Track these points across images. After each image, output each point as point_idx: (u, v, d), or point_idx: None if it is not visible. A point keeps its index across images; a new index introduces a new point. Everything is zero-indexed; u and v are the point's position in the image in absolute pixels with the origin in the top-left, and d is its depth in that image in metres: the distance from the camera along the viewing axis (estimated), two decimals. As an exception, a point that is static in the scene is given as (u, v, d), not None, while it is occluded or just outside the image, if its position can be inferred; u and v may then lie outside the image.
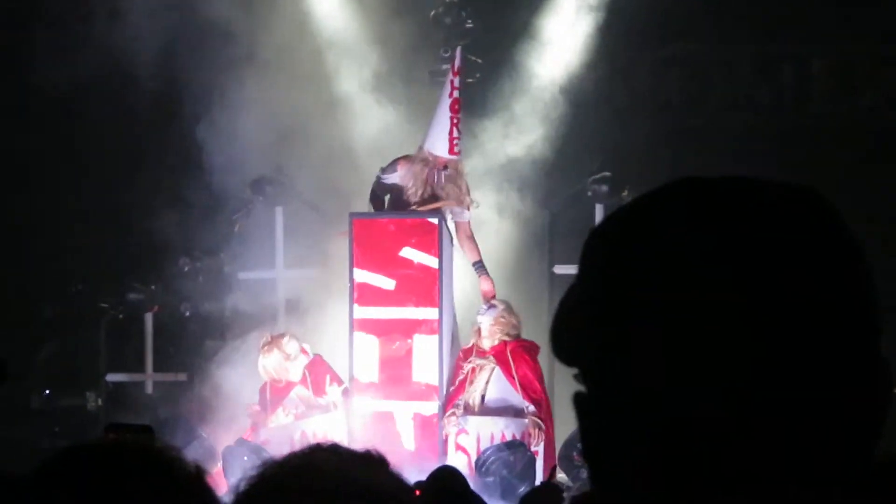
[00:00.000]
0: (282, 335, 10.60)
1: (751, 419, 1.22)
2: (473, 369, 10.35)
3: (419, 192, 10.60)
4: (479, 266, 10.81)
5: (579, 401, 1.33)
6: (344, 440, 10.05)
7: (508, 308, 10.50)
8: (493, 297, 10.76)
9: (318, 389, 10.50)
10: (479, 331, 10.43)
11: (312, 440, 10.05)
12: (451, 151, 10.60)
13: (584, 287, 1.33)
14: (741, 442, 1.22)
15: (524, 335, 10.69)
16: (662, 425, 1.24)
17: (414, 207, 10.61)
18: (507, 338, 10.37)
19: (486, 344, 10.37)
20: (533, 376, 10.32)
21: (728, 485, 1.23)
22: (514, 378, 10.28)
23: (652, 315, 1.25)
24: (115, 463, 1.95)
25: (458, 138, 10.65)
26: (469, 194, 10.80)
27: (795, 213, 1.28)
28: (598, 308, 1.29)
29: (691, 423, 1.23)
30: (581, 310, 1.32)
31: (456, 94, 10.68)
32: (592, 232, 1.35)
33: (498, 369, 10.34)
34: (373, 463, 2.09)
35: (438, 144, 10.60)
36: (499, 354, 10.34)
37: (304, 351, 10.55)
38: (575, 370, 1.34)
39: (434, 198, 10.63)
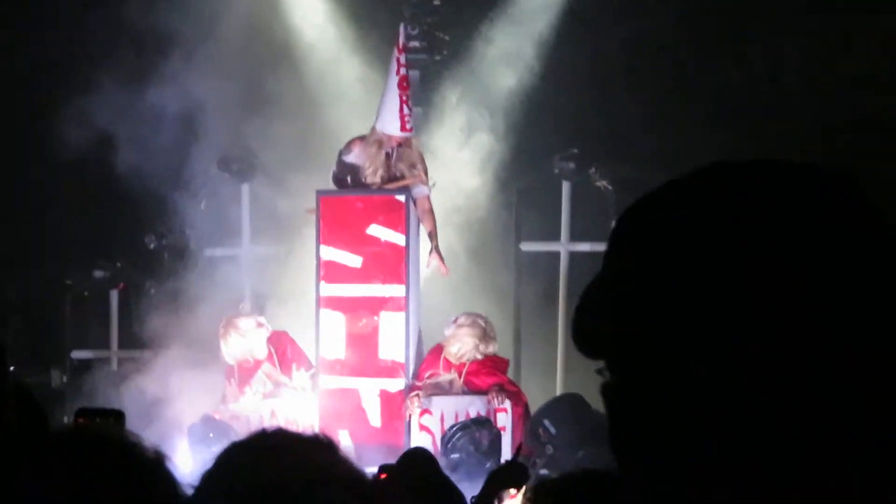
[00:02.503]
0: (234, 315, 10.61)
1: (783, 406, 1.21)
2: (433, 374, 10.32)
3: (377, 172, 10.56)
4: (432, 238, 10.69)
5: (607, 392, 1.31)
6: (315, 422, 10.08)
7: (473, 322, 10.37)
8: (446, 273, 10.71)
9: (285, 367, 10.50)
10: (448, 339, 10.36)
11: (282, 420, 10.10)
12: (402, 129, 10.55)
13: (611, 277, 1.31)
14: (772, 430, 1.22)
15: (490, 313, 10.69)
16: (693, 414, 1.23)
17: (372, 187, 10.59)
18: (470, 357, 10.25)
19: (452, 355, 10.28)
20: (496, 378, 10.26)
21: (757, 474, 1.23)
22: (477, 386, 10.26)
23: (681, 304, 1.24)
24: (73, 450, 1.94)
25: (409, 115, 10.58)
26: (425, 169, 10.72)
27: (829, 199, 1.27)
28: (626, 298, 1.28)
29: (721, 412, 1.22)
30: (607, 300, 1.30)
31: (403, 70, 10.62)
32: (619, 221, 1.33)
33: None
34: (321, 447, 2.08)
35: (389, 123, 10.55)
36: (460, 372, 10.28)
37: (259, 324, 10.54)
38: (598, 365, 1.33)
39: (392, 178, 10.59)
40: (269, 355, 10.51)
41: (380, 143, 10.56)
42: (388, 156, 10.56)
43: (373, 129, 10.63)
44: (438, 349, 10.39)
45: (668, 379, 1.24)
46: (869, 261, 1.24)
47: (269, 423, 10.20)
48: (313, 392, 10.41)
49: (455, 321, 10.33)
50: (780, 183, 1.27)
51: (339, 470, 1.99)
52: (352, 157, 10.66)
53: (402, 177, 10.58)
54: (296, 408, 10.31)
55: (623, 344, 1.28)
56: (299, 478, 1.91)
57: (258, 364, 10.48)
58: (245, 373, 10.48)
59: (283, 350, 10.53)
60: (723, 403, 1.22)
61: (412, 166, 10.61)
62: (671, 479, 1.25)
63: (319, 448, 2.03)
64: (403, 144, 10.60)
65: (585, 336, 1.32)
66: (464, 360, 10.25)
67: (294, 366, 10.49)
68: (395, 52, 10.72)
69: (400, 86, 10.55)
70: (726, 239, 1.24)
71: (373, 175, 10.56)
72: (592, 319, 1.31)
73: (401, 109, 10.52)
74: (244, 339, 10.41)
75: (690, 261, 1.24)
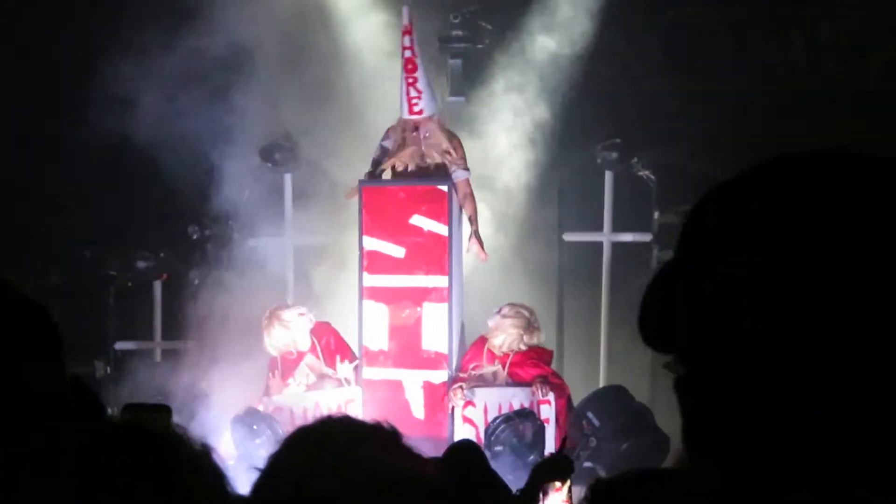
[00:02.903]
0: (277, 307, 10.60)
1: (859, 404, 1.20)
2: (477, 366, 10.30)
3: (408, 158, 10.55)
4: (472, 222, 10.66)
5: (680, 387, 1.29)
6: (359, 414, 10.06)
7: (518, 313, 10.35)
8: (484, 259, 10.68)
9: (328, 358, 10.49)
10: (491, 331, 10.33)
11: (325, 411, 10.11)
12: (410, 111, 10.52)
13: (682, 270, 1.29)
14: (853, 428, 1.20)
15: (533, 304, 10.65)
16: (766, 407, 1.21)
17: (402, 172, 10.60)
18: (515, 348, 10.23)
19: (496, 347, 10.25)
20: (540, 370, 10.23)
21: (831, 468, 1.21)
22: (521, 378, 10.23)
23: (753, 299, 1.22)
24: (120, 443, 1.93)
25: (417, 97, 10.53)
26: (461, 154, 10.66)
27: None
28: (698, 291, 1.26)
29: (793, 405, 1.20)
30: (678, 293, 1.28)
31: (408, 53, 10.57)
32: (689, 215, 1.31)
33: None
34: (385, 436, 2.08)
35: (402, 108, 10.56)
36: (504, 363, 10.25)
37: (302, 315, 10.53)
38: (667, 358, 1.31)
39: (424, 163, 10.57)
40: (313, 347, 10.50)
41: (403, 129, 10.56)
42: (416, 140, 10.54)
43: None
44: (482, 341, 10.36)
45: (741, 371, 1.23)
46: None
47: (313, 415, 10.21)
48: (357, 384, 10.40)
49: (499, 312, 10.30)
50: (843, 177, 1.25)
51: (404, 462, 2.00)
52: (387, 144, 10.68)
53: (433, 162, 10.55)
54: (339, 399, 10.31)
55: (694, 337, 1.26)
56: (366, 468, 1.92)
57: (301, 356, 10.48)
58: (288, 364, 10.48)
59: (326, 341, 10.53)
60: (798, 394, 1.20)
61: (445, 152, 10.57)
62: (747, 470, 1.25)
63: (383, 437, 2.04)
64: (427, 128, 10.54)
65: (653, 330, 1.30)
66: (508, 351, 10.22)
67: (338, 357, 10.49)
68: (402, 36, 10.67)
69: (405, 68, 10.52)
70: (794, 232, 1.22)
71: (402, 161, 10.55)
72: (661, 313, 1.29)
73: (407, 92, 10.51)
74: (288, 331, 10.40)
75: (759, 254, 1.23)
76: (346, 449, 2.05)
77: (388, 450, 2.09)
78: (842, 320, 1.19)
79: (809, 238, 1.22)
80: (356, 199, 10.42)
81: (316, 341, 10.51)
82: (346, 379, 10.45)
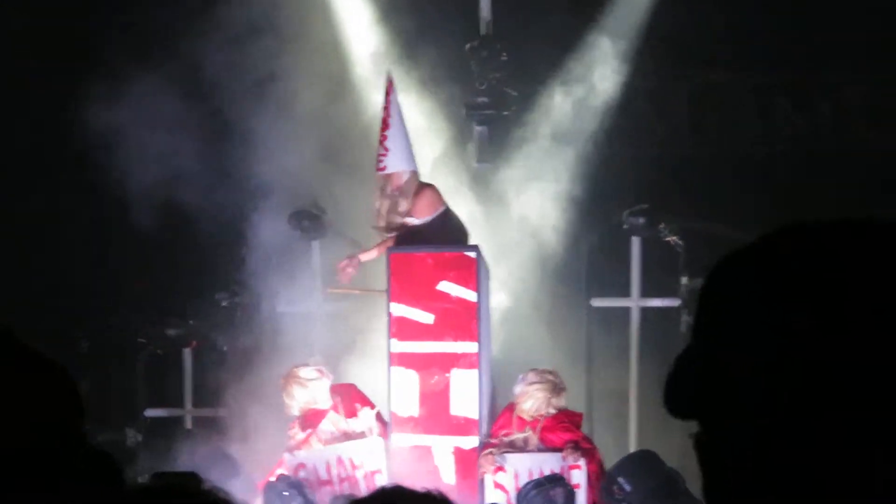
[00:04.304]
0: (294, 366, 10.61)
1: (863, 467, 1.22)
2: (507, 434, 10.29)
3: (385, 214, 10.70)
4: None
5: (699, 447, 1.33)
6: (382, 467, 10.07)
7: (543, 377, 10.33)
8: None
9: (349, 412, 10.49)
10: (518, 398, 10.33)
11: (349, 466, 10.11)
12: (377, 168, 10.66)
13: (696, 341, 1.33)
14: (861, 486, 1.22)
15: (561, 369, 10.65)
16: (780, 467, 1.24)
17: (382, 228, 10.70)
18: (543, 412, 10.22)
19: (525, 412, 10.26)
20: (571, 434, 10.21)
21: None
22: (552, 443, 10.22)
23: (761, 364, 1.25)
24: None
25: (384, 154, 10.65)
26: (416, 203, 10.72)
27: None
28: (709, 360, 1.30)
29: (807, 469, 1.23)
30: (694, 364, 1.32)
31: (382, 112, 10.70)
32: (702, 288, 1.35)
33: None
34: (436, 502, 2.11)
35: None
36: (535, 428, 10.25)
37: (321, 372, 10.55)
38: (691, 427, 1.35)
39: (394, 223, 10.70)
40: (335, 406, 10.51)
41: (378, 187, 10.69)
42: (387, 196, 10.69)
43: None
44: (511, 408, 10.35)
45: (754, 434, 1.26)
46: None
47: (337, 470, 10.23)
48: (379, 436, 10.38)
49: (524, 379, 10.30)
50: (862, 248, 1.28)
51: None
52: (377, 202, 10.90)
53: (400, 221, 10.69)
54: (362, 452, 10.30)
55: (710, 404, 1.29)
56: None
57: (323, 413, 10.47)
58: (310, 422, 10.46)
59: (347, 397, 10.54)
60: (808, 461, 1.23)
61: (403, 212, 10.69)
62: None
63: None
64: (395, 185, 10.66)
65: (675, 400, 1.34)
66: (537, 416, 10.21)
67: (357, 406, 10.49)
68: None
69: (381, 127, 10.69)
70: (803, 303, 1.25)
71: (380, 217, 10.68)
72: (680, 384, 1.33)
73: (378, 150, 10.66)
74: (306, 389, 10.41)
75: (768, 325, 1.26)
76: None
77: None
78: (858, 396, 1.22)
79: (825, 313, 1.24)
80: (382, 263, 10.47)
81: (337, 400, 10.52)
82: (369, 429, 10.44)
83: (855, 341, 1.23)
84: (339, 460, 10.26)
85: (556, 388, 10.27)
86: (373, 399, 10.61)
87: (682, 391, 1.34)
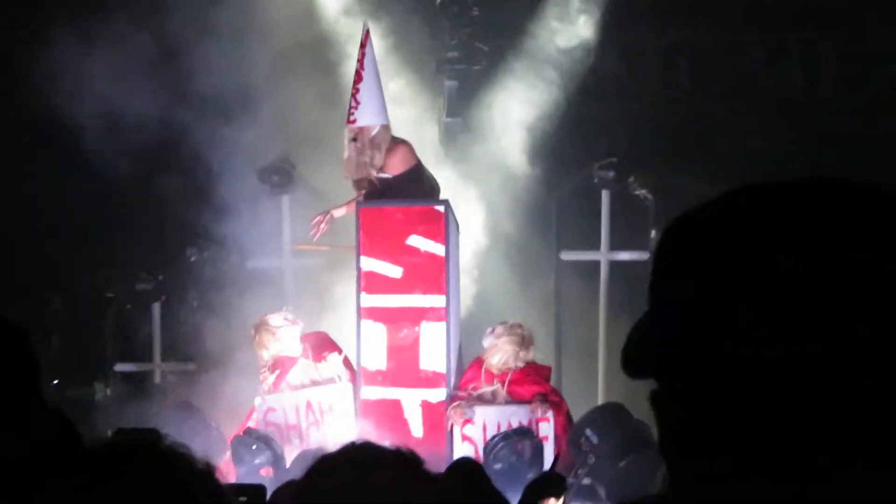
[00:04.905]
0: (264, 316, 10.63)
1: (814, 410, 1.25)
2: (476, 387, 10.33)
3: (355, 167, 10.67)
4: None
5: (654, 400, 1.35)
6: (349, 411, 10.12)
7: (511, 331, 10.38)
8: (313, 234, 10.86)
9: (317, 358, 10.53)
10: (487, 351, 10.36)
11: (317, 410, 10.17)
12: (347, 121, 10.64)
13: (652, 301, 1.36)
14: (801, 431, 1.25)
15: (531, 322, 10.69)
16: (731, 418, 1.27)
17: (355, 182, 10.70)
18: (512, 365, 10.25)
19: (494, 366, 10.28)
20: (539, 387, 10.26)
21: (801, 479, 1.26)
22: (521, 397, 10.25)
23: (717, 318, 1.28)
24: (124, 462, 1.97)
25: (355, 107, 10.63)
26: (386, 160, 10.70)
27: (866, 218, 1.29)
28: (664, 320, 1.32)
29: (755, 415, 1.26)
30: (650, 323, 1.35)
31: (356, 65, 10.68)
32: (657, 248, 1.38)
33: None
34: (406, 462, 2.12)
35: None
36: (503, 381, 10.27)
37: (290, 320, 10.59)
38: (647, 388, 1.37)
39: (360, 177, 10.70)
40: (305, 352, 10.55)
41: (346, 138, 10.67)
42: (355, 150, 10.66)
43: None
44: (479, 361, 10.39)
45: (708, 387, 1.28)
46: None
47: (306, 414, 10.28)
48: (349, 382, 10.42)
49: (493, 332, 10.32)
50: (816, 201, 1.30)
51: (425, 488, 2.04)
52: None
53: (367, 175, 10.67)
54: (331, 396, 10.36)
55: (665, 363, 1.32)
56: (389, 496, 1.96)
57: (293, 361, 10.52)
58: (281, 368, 10.50)
59: (317, 344, 10.58)
60: (757, 407, 1.25)
61: (369, 164, 10.66)
62: (717, 479, 1.29)
63: (404, 463, 2.08)
64: (364, 138, 10.63)
65: (631, 359, 1.36)
66: (505, 369, 10.24)
67: (325, 354, 10.53)
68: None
69: (354, 80, 10.66)
70: (758, 257, 1.27)
71: (347, 171, 10.68)
72: (638, 343, 1.35)
73: (350, 103, 10.63)
74: (276, 338, 10.46)
75: (723, 277, 1.28)
76: (370, 476, 2.08)
77: (409, 476, 2.13)
78: (812, 352, 1.25)
79: (778, 271, 1.26)
80: (353, 219, 10.48)
81: (306, 346, 10.56)
82: (338, 375, 10.48)
83: (809, 298, 1.25)
84: (309, 405, 10.33)
85: (525, 342, 10.31)
86: (345, 350, 10.65)
87: (638, 351, 1.36)
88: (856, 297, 1.24)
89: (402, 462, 2.11)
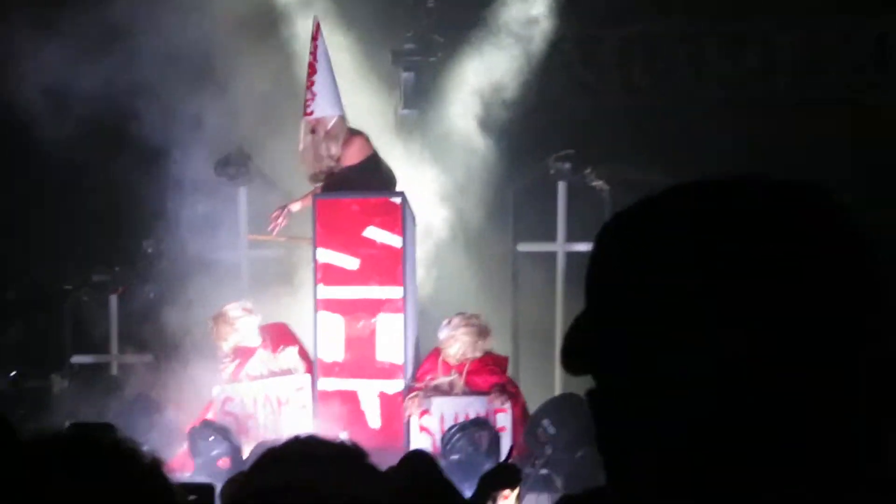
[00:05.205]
0: (220, 308, 10.65)
1: (753, 408, 1.28)
2: (433, 378, 10.34)
3: (313, 160, 10.69)
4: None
5: (593, 400, 1.38)
6: (307, 403, 10.14)
7: (468, 322, 10.39)
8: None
9: (276, 348, 10.56)
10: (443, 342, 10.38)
11: (275, 401, 10.18)
12: (304, 112, 10.68)
13: (588, 300, 1.38)
14: (750, 436, 1.28)
15: (488, 313, 10.72)
16: (671, 418, 1.30)
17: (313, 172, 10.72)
18: (469, 356, 10.28)
19: (451, 356, 10.30)
20: (497, 378, 10.29)
21: (738, 477, 1.28)
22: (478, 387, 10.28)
23: (656, 315, 1.31)
24: (69, 457, 1.98)
25: (311, 99, 10.65)
26: (335, 149, 10.71)
27: (790, 215, 1.32)
28: (599, 319, 1.35)
29: (697, 416, 1.28)
30: (588, 321, 1.37)
31: (310, 58, 10.70)
32: (592, 249, 1.40)
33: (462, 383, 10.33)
34: (350, 456, 2.14)
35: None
36: (461, 372, 10.30)
37: (248, 310, 10.61)
38: (585, 386, 1.39)
39: (320, 170, 10.71)
40: (263, 342, 10.57)
41: (304, 132, 10.69)
42: (313, 143, 10.68)
43: None
44: (436, 352, 10.41)
45: (646, 385, 1.31)
46: (831, 267, 1.30)
47: (263, 405, 10.30)
48: (306, 373, 10.44)
49: (449, 323, 10.35)
50: (750, 200, 1.33)
51: (368, 483, 2.05)
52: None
53: (327, 166, 10.68)
54: (289, 388, 10.38)
55: (601, 361, 1.34)
56: (330, 492, 1.98)
57: (252, 351, 10.53)
58: (240, 358, 10.52)
59: (276, 336, 10.60)
60: (696, 406, 1.28)
61: (329, 156, 10.68)
62: (653, 477, 1.32)
63: (348, 457, 2.09)
64: (321, 130, 10.65)
65: (571, 356, 1.38)
66: (463, 359, 10.27)
67: (281, 346, 10.55)
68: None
69: (308, 72, 10.69)
70: (696, 253, 1.30)
71: (305, 164, 10.68)
72: (576, 339, 1.38)
73: (304, 95, 10.65)
74: (235, 332, 10.48)
75: (660, 276, 1.31)
76: (310, 470, 2.10)
77: (351, 469, 2.14)
78: (738, 347, 1.28)
79: (705, 269, 1.29)
80: (310, 211, 10.48)
81: (265, 336, 10.58)
82: (294, 367, 10.51)
83: (733, 297, 1.28)
84: (266, 397, 10.34)
85: (482, 332, 10.34)
86: (304, 341, 10.66)
87: (576, 349, 1.38)
88: (787, 293, 1.27)
89: (345, 455, 2.12)
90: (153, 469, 2.09)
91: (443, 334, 10.30)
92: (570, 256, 12.40)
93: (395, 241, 10.28)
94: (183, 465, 9.85)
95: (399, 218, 10.27)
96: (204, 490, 3.93)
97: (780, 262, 1.28)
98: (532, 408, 10.42)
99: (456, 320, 10.32)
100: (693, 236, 1.31)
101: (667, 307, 1.30)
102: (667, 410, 1.30)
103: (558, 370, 11.97)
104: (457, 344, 10.23)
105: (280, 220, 10.92)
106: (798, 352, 1.27)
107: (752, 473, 1.27)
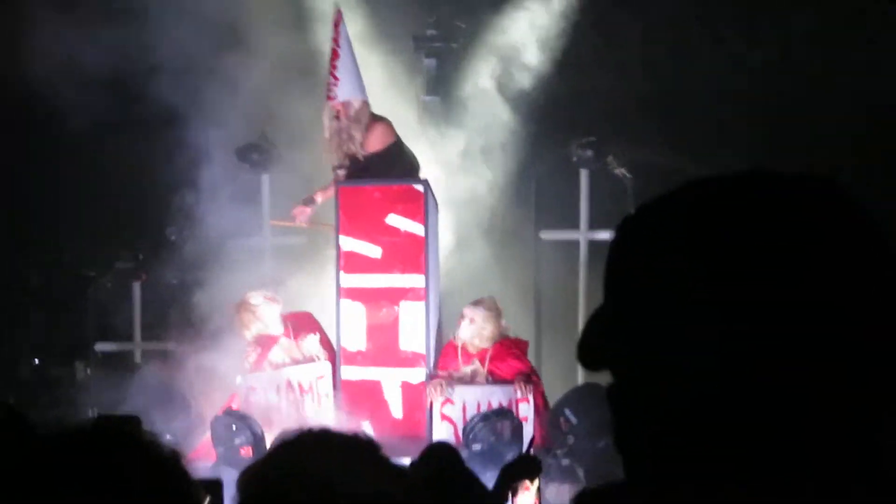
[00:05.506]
0: (244, 295, 10.65)
1: (764, 410, 1.27)
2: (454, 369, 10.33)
3: (335, 144, 10.69)
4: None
5: (610, 396, 1.37)
6: (329, 391, 10.13)
7: (479, 307, 10.36)
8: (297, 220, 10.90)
9: (298, 338, 10.56)
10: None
11: (297, 389, 10.18)
12: (327, 97, 10.66)
13: (606, 296, 1.37)
14: (758, 433, 1.27)
15: (510, 302, 10.70)
16: (684, 412, 1.28)
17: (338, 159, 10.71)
18: (488, 343, 10.26)
19: (470, 344, 10.28)
20: (521, 364, 10.27)
21: (748, 474, 1.28)
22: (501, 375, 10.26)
23: (664, 311, 1.30)
24: (86, 450, 1.97)
25: (335, 83, 10.66)
26: (359, 135, 10.71)
27: (803, 212, 1.32)
28: (617, 314, 1.34)
29: (706, 409, 1.28)
30: (605, 316, 1.36)
31: (332, 44, 10.72)
32: (611, 243, 1.40)
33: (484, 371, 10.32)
34: (362, 448, 2.13)
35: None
36: (482, 359, 10.28)
37: (270, 298, 10.60)
38: (601, 379, 1.39)
39: (348, 153, 10.71)
40: (286, 330, 10.57)
41: (328, 117, 10.69)
42: (338, 129, 10.68)
43: None
44: (452, 345, 10.37)
45: (665, 382, 1.30)
46: (841, 263, 1.29)
47: (286, 394, 10.29)
48: (327, 361, 10.45)
49: (463, 317, 10.30)
50: (760, 196, 1.32)
51: (380, 475, 2.05)
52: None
53: (351, 151, 10.68)
54: (311, 375, 10.38)
55: (619, 356, 1.33)
56: (342, 484, 1.97)
57: (275, 339, 10.53)
58: (262, 346, 10.52)
59: (298, 324, 10.60)
60: (715, 404, 1.27)
61: (350, 139, 10.69)
62: (672, 475, 1.31)
63: (360, 449, 2.09)
64: (347, 114, 10.65)
65: (587, 351, 1.37)
66: (483, 346, 10.24)
67: (303, 334, 10.55)
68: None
69: (331, 58, 10.67)
70: (708, 249, 1.29)
71: (331, 150, 10.68)
72: (593, 335, 1.37)
73: (328, 80, 10.65)
74: (258, 320, 10.48)
75: (668, 277, 1.30)
76: (324, 463, 2.09)
77: (365, 463, 2.13)
78: (757, 343, 1.27)
79: (723, 264, 1.28)
80: (332, 198, 10.48)
81: (288, 325, 10.57)
82: (316, 355, 10.51)
83: (751, 290, 1.27)
84: (289, 384, 10.33)
85: (497, 316, 10.31)
86: (326, 330, 10.66)
87: (593, 344, 1.38)
88: (802, 291, 1.26)
89: (358, 448, 2.11)
90: (173, 461, 2.09)
91: (463, 322, 10.25)
92: (593, 244, 12.38)
93: (417, 228, 10.27)
94: (206, 454, 9.87)
95: (422, 205, 10.25)
96: (209, 486, 3.90)
97: (793, 258, 1.28)
98: (554, 397, 10.41)
99: (468, 311, 10.28)
100: (706, 232, 1.31)
101: (680, 302, 1.29)
102: (687, 410, 1.29)
103: (580, 359, 11.93)
104: (472, 330, 10.18)
105: (306, 211, 10.95)
106: (798, 345, 1.27)
107: (756, 469, 1.27)
